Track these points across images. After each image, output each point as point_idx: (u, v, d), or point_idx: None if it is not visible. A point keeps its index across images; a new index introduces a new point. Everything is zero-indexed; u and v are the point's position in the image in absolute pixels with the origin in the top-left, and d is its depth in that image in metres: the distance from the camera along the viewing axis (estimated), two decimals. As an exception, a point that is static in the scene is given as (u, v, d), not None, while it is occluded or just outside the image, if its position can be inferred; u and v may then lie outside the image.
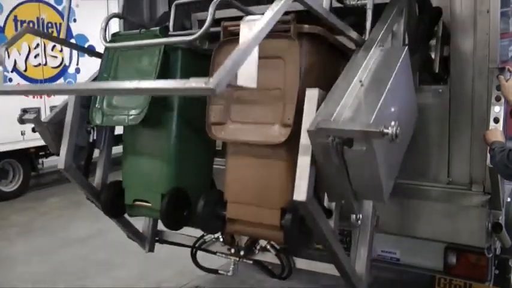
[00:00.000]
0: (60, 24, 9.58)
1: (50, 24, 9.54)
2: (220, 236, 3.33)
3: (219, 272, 3.42)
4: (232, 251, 3.18)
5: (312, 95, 2.18)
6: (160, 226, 3.40)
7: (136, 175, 3.16)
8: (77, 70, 10.06)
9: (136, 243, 3.88)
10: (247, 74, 1.92)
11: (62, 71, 9.90)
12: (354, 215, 2.53)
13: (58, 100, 9.62)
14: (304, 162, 2.11)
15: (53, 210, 8.81)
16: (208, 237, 3.41)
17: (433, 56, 3.32)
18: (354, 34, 2.54)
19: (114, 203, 3.21)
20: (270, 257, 3.14)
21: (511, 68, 3.05)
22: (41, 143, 9.74)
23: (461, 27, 3.12)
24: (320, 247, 2.80)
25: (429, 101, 3.30)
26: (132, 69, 3.03)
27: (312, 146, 2.08)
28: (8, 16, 9.01)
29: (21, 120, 3.29)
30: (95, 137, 3.37)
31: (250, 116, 2.57)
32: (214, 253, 3.36)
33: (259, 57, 1.94)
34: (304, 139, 2.10)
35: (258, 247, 3.13)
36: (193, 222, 2.94)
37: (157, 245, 3.91)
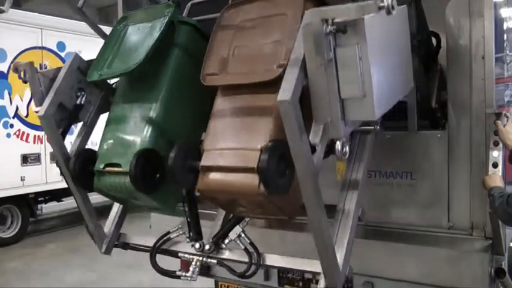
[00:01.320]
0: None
1: (52, 71, 9.68)
2: (186, 232, 3.06)
3: (179, 275, 3.03)
4: (197, 245, 2.91)
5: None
6: (123, 230, 3.33)
7: (114, 138, 2.99)
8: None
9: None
10: None
11: (64, 116, 9.97)
12: (339, 144, 2.19)
13: (58, 146, 9.67)
14: (293, 70, 2.09)
15: (51, 256, 8.71)
16: (173, 232, 3.12)
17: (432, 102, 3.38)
18: None
19: (85, 170, 3.00)
20: (238, 255, 2.86)
21: (508, 113, 3.08)
22: (41, 188, 9.82)
23: (457, 73, 3.17)
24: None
25: (428, 146, 3.32)
26: (134, 40, 3.00)
27: (304, 42, 2.05)
28: (11, 63, 9.16)
29: (15, 69, 3.23)
30: (82, 102, 3.23)
31: (246, 65, 2.56)
32: (176, 254, 3.06)
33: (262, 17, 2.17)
34: (296, 51, 2.13)
35: (226, 241, 2.87)
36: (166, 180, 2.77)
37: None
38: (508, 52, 3.48)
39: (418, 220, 3.34)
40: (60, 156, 3.11)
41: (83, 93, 3.22)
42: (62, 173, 3.16)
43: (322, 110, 2.16)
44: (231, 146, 2.50)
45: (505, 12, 3.47)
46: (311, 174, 2.18)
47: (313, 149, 2.20)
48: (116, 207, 3.52)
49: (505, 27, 3.44)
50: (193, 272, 2.90)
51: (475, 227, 3.12)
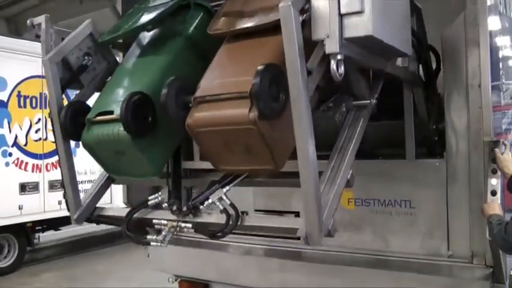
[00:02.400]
0: (63, 99, 9.77)
1: (52, 100, 9.73)
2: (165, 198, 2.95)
3: (149, 240, 2.90)
4: (174, 207, 2.79)
5: None
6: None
7: (110, 92, 2.95)
8: (77, 145, 10.08)
9: None
10: None
11: (62, 145, 9.99)
12: (334, 63, 2.15)
13: (57, 175, 9.67)
14: None
15: (48, 286, 8.61)
16: (151, 200, 2.99)
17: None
18: None
19: (76, 121, 2.94)
20: (215, 219, 2.72)
21: (506, 141, 3.09)
22: (39, 217, 9.76)
23: (454, 101, 3.20)
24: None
25: (426, 175, 3.32)
26: (149, 13, 3.02)
27: None
28: (12, 92, 9.21)
29: (31, 24, 3.33)
30: (88, 63, 3.25)
31: (252, 20, 2.61)
32: (151, 223, 2.91)
33: None
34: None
35: (205, 203, 2.69)
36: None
37: None
38: (504, 80, 3.51)
39: (418, 248, 3.32)
40: (54, 106, 3.03)
41: (89, 58, 3.27)
42: (52, 126, 3.10)
43: (322, 25, 2.16)
44: (226, 79, 2.46)
45: (500, 40, 3.51)
46: (304, 97, 2.11)
47: (309, 72, 2.18)
48: (99, 179, 3.39)
49: (500, 56, 3.47)
50: (165, 237, 2.77)
51: (475, 255, 3.11)
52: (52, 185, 9.63)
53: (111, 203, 10.35)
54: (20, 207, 9.10)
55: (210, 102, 2.41)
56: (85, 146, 2.95)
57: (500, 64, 3.43)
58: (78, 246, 11.06)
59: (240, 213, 2.62)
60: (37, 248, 10.43)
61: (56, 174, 9.58)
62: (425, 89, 3.40)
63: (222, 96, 2.36)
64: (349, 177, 2.52)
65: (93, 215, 3.26)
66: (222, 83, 2.43)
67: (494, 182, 2.95)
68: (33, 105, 9.53)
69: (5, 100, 9.15)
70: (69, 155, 3.14)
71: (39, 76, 9.57)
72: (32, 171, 9.45)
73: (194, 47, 2.98)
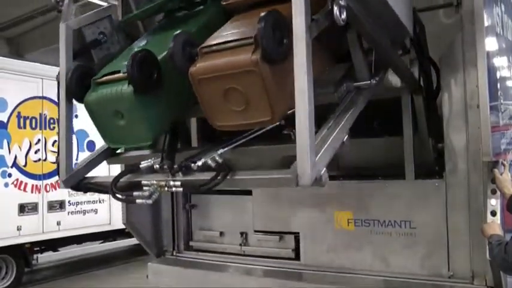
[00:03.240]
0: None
1: (52, 120, 9.73)
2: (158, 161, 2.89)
3: (136, 196, 2.83)
4: (166, 166, 2.76)
5: None
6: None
7: (123, 56, 3.01)
8: (76, 165, 10.15)
9: None
10: None
11: (62, 165, 9.98)
12: (337, 8, 2.17)
13: (56, 196, 9.65)
14: None
15: (45, 308, 8.52)
16: (144, 163, 2.95)
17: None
18: None
19: (81, 82, 2.99)
20: (206, 176, 2.62)
21: (505, 161, 3.09)
22: (37, 238, 9.68)
23: (453, 122, 3.21)
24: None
25: (426, 195, 3.32)
26: None
27: None
28: (11, 112, 9.22)
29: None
30: (102, 40, 3.35)
31: None
32: (140, 184, 2.84)
33: None
34: None
35: (198, 163, 2.65)
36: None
37: None
38: (502, 101, 3.52)
39: (419, 269, 3.31)
40: (63, 68, 3.09)
41: (104, 37, 3.36)
42: (58, 87, 3.15)
43: None
44: (232, 31, 2.51)
45: (498, 61, 3.54)
46: (307, 39, 2.09)
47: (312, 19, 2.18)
48: (95, 153, 3.42)
49: (498, 76, 3.49)
50: (151, 193, 2.72)
51: (476, 276, 3.09)
52: (51, 206, 9.59)
53: (109, 224, 10.34)
54: (19, 228, 9.04)
55: (215, 53, 2.42)
56: (87, 107, 2.95)
57: (498, 84, 3.45)
58: (77, 268, 10.97)
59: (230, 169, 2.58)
60: (35, 269, 10.32)
61: (55, 195, 9.57)
62: (425, 107, 3.42)
63: (227, 45, 2.38)
64: (344, 139, 2.47)
65: (82, 182, 3.23)
66: (228, 35, 2.47)
67: (494, 202, 2.95)
68: (33, 126, 9.53)
69: (5, 121, 9.15)
70: (69, 118, 3.15)
71: (39, 97, 9.60)
72: (31, 192, 9.41)
73: (211, 24, 2.95)
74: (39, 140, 9.59)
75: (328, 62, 2.74)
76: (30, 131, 9.49)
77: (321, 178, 2.16)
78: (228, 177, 2.53)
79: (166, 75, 2.76)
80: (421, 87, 3.37)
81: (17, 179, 9.25)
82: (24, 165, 9.39)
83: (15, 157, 9.26)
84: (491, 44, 3.26)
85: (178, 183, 2.66)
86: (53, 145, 9.69)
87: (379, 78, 2.90)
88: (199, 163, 2.65)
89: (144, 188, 2.75)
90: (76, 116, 10.21)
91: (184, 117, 2.96)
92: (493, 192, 2.97)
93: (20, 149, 9.33)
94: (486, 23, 3.10)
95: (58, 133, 3.19)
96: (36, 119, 9.59)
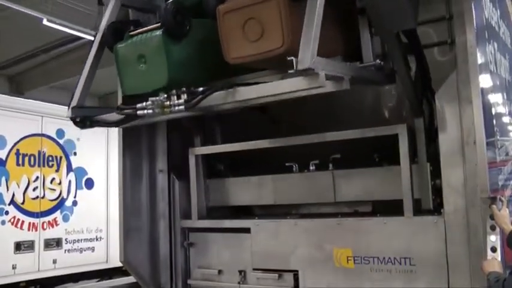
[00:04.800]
0: (61, 157, 9.79)
1: (50, 158, 9.74)
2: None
3: (138, 109, 3.10)
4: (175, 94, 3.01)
5: None
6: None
7: None
8: (74, 203, 10.10)
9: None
10: None
11: (59, 203, 9.93)
12: None
13: (53, 233, 9.57)
14: None
15: None
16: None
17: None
18: None
19: (117, 33, 3.41)
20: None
21: (503, 198, 3.09)
22: (33, 276, 9.54)
23: (450, 159, 3.22)
24: None
25: (425, 232, 3.30)
26: None
27: None
28: (10, 150, 9.23)
29: None
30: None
31: None
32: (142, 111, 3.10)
33: None
34: None
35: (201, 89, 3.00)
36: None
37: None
38: (498, 137, 3.55)
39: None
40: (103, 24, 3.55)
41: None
42: (94, 37, 3.61)
43: None
44: None
45: (492, 98, 3.58)
46: None
47: None
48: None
49: (493, 113, 3.53)
50: (153, 108, 3.01)
51: None
52: (48, 244, 9.50)
53: (106, 262, 10.22)
54: (14, 267, 8.93)
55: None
56: (116, 53, 3.33)
57: (494, 121, 3.48)
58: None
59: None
60: (30, 308, 10.15)
61: (52, 233, 9.49)
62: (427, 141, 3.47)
63: None
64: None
65: (87, 118, 3.51)
66: None
67: (494, 238, 2.94)
68: (32, 163, 9.52)
69: (4, 158, 9.15)
70: (95, 63, 3.55)
71: (38, 134, 9.63)
72: (28, 229, 9.33)
73: None
74: (37, 177, 9.57)
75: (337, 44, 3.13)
76: (29, 169, 9.48)
77: (313, 64, 2.46)
78: (231, 90, 2.93)
79: (194, 28, 3.17)
80: (423, 115, 3.46)
81: (14, 217, 9.19)
82: (22, 203, 9.35)
83: (13, 194, 9.22)
84: (485, 81, 3.31)
85: (182, 101, 2.95)
86: (51, 182, 9.67)
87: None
88: (203, 88, 2.98)
89: (148, 104, 3.02)
90: (75, 154, 10.22)
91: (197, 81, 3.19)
92: (493, 228, 2.96)
93: (18, 187, 9.30)
94: (480, 61, 3.15)
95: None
96: (35, 156, 9.59)
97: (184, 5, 3.17)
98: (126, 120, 3.32)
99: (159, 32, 3.09)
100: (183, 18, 3.12)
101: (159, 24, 3.11)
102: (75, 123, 3.46)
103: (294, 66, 2.46)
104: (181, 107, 2.96)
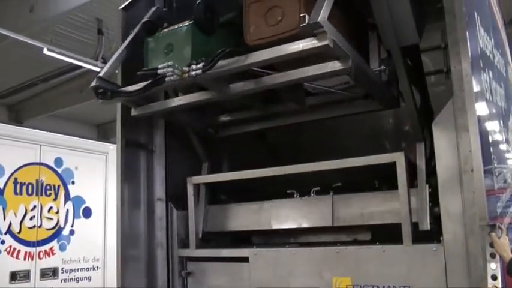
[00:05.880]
0: (59, 186, 9.76)
1: (48, 186, 9.71)
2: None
3: (158, 70, 3.30)
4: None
5: None
6: None
7: None
8: (71, 232, 10.03)
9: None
10: None
11: (56, 232, 9.86)
12: None
13: (49, 263, 9.48)
14: None
15: None
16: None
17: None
18: None
19: (150, 30, 3.69)
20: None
21: (502, 225, 3.09)
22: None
23: (448, 187, 3.22)
24: None
25: (424, 260, 3.29)
26: None
27: None
28: (8, 179, 9.21)
29: None
30: None
31: None
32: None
33: None
34: None
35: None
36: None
37: None
38: (496, 164, 3.56)
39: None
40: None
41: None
42: None
43: None
44: None
45: (489, 125, 3.60)
46: None
47: None
48: None
49: (490, 140, 3.55)
50: (172, 74, 3.18)
51: None
52: (44, 274, 9.39)
53: (103, 289, 10.10)
54: (10, 296, 8.83)
55: None
56: (146, 43, 3.63)
57: (491, 148, 3.50)
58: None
59: None
60: None
61: (48, 263, 9.40)
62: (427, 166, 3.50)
63: None
64: None
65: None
66: None
67: (494, 266, 2.92)
68: (29, 192, 9.49)
69: (1, 187, 9.13)
70: (127, 51, 3.83)
71: (36, 163, 9.63)
72: (24, 259, 9.24)
73: None
74: (34, 206, 9.53)
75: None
76: (26, 197, 9.45)
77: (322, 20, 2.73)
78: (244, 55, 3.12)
79: (220, 26, 3.50)
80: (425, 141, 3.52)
81: (10, 246, 9.12)
82: (18, 232, 9.28)
83: (10, 224, 9.17)
84: (481, 109, 3.34)
85: (200, 65, 3.14)
86: (48, 211, 9.63)
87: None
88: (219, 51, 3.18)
89: (168, 70, 3.21)
90: (73, 182, 10.22)
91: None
92: (492, 256, 2.95)
93: (15, 216, 9.26)
94: (475, 89, 3.18)
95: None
96: (32, 185, 9.57)
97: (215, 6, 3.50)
98: (146, 89, 3.42)
99: (189, 24, 3.43)
100: (213, 15, 3.46)
101: (191, 21, 3.43)
102: (97, 94, 3.60)
103: (306, 21, 2.76)
104: (199, 71, 3.15)
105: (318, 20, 2.71)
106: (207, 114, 4.45)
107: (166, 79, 3.24)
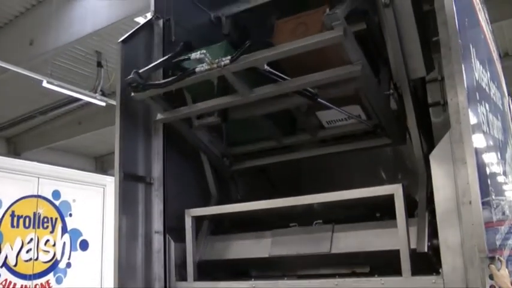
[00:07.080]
0: (56, 218, 9.73)
1: (45, 219, 9.68)
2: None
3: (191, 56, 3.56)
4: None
5: None
6: None
7: None
8: (68, 265, 9.96)
9: None
10: None
11: (53, 265, 9.79)
12: None
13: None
14: None
15: None
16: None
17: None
18: None
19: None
20: None
21: (501, 257, 3.08)
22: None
23: (447, 219, 3.22)
24: None
25: (424, 293, 3.26)
26: None
27: None
28: (5, 211, 9.18)
29: None
30: None
31: None
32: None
33: None
34: None
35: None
36: None
37: None
38: (494, 196, 3.56)
39: None
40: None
41: None
42: None
43: None
44: None
45: (486, 157, 3.62)
46: None
47: None
48: None
49: (488, 172, 3.56)
50: (203, 58, 3.42)
51: None
52: (40, 308, 9.30)
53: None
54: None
55: None
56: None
57: (489, 180, 3.51)
58: None
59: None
60: None
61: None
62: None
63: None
64: None
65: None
66: None
67: (494, 298, 2.90)
68: (26, 225, 9.46)
69: (-2, 220, 9.10)
70: (164, 63, 4.14)
71: (34, 196, 9.61)
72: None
73: None
74: (31, 239, 9.48)
75: None
76: (23, 230, 9.41)
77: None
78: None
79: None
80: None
81: (6, 279, 9.04)
82: (15, 265, 9.21)
83: (6, 257, 9.11)
84: (478, 141, 3.36)
85: (228, 57, 3.40)
86: (45, 244, 9.57)
87: None
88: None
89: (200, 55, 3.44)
90: (70, 215, 10.19)
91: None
92: (492, 288, 2.93)
93: (12, 249, 9.20)
94: (472, 121, 3.21)
95: None
96: (29, 217, 9.54)
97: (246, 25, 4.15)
98: (177, 79, 3.66)
99: (223, 42, 3.85)
100: (246, 35, 4.01)
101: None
102: (131, 86, 3.88)
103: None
104: (227, 61, 3.40)
105: (337, 12, 3.08)
106: (223, 141, 4.55)
107: (197, 69, 3.48)
